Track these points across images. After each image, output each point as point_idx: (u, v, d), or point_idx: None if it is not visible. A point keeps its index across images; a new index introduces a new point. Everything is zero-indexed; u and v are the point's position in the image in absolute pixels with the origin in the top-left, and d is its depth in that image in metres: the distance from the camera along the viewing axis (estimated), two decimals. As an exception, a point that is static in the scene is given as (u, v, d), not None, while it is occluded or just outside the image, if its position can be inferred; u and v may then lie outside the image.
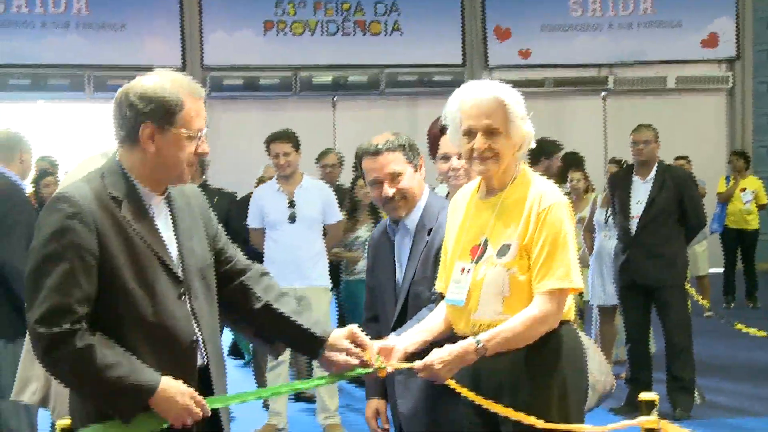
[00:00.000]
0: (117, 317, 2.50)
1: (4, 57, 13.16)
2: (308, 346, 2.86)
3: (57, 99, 13.77)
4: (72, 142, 12.91)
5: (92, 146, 11.91)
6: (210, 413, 2.55)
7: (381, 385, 3.42)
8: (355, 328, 2.90)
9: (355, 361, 2.83)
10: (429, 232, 3.38)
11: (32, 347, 2.45)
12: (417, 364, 2.87)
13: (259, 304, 2.83)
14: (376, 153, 3.32)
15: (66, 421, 2.69)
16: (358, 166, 3.46)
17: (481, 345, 2.83)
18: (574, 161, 8.22)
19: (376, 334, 3.14)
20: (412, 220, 3.41)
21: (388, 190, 3.33)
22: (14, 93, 13.33)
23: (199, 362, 2.65)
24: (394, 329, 3.25)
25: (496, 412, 2.89)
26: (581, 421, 2.99)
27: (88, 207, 2.48)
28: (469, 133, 2.95)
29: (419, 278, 3.36)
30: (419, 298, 3.35)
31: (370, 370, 2.87)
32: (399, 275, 3.43)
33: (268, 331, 2.91)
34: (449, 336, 3.09)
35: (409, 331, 3.13)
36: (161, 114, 2.54)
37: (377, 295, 3.55)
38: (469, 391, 2.93)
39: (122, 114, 2.56)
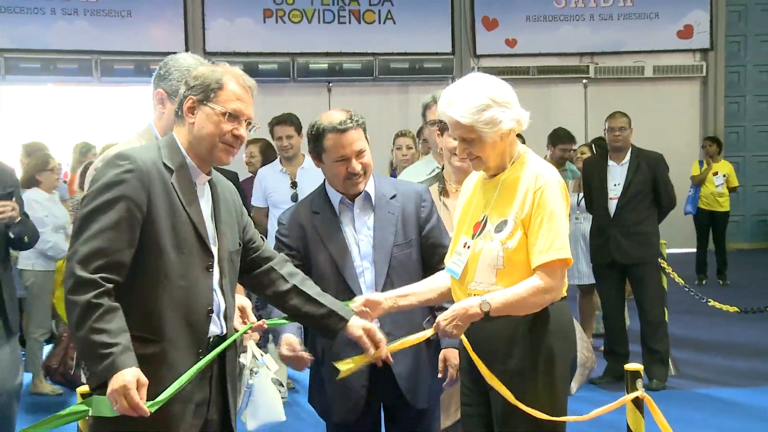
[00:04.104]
0: (147, 273, 2.62)
1: (16, 42, 13.29)
2: (330, 325, 3.05)
3: (65, 83, 13.71)
4: (79, 125, 12.99)
5: (99, 128, 12.27)
6: (148, 413, 2.50)
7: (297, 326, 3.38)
8: (371, 325, 3.09)
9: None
10: (392, 199, 3.43)
11: (64, 282, 2.56)
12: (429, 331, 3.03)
13: (286, 286, 3.05)
14: (345, 130, 3.30)
15: (85, 387, 2.80)
16: (316, 142, 3.38)
17: (485, 302, 2.87)
18: (570, 137, 8.16)
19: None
20: (372, 191, 3.43)
21: (357, 166, 3.32)
22: (25, 77, 13.38)
23: (218, 332, 2.80)
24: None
25: (486, 381, 3.01)
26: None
27: (145, 167, 2.63)
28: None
29: (403, 242, 3.39)
30: (409, 259, 3.39)
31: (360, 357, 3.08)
32: (356, 246, 3.38)
33: (291, 311, 3.08)
34: (438, 306, 3.28)
35: (397, 291, 3.21)
36: (202, 90, 2.75)
37: (320, 270, 3.38)
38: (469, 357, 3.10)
39: (180, 91, 2.84)
